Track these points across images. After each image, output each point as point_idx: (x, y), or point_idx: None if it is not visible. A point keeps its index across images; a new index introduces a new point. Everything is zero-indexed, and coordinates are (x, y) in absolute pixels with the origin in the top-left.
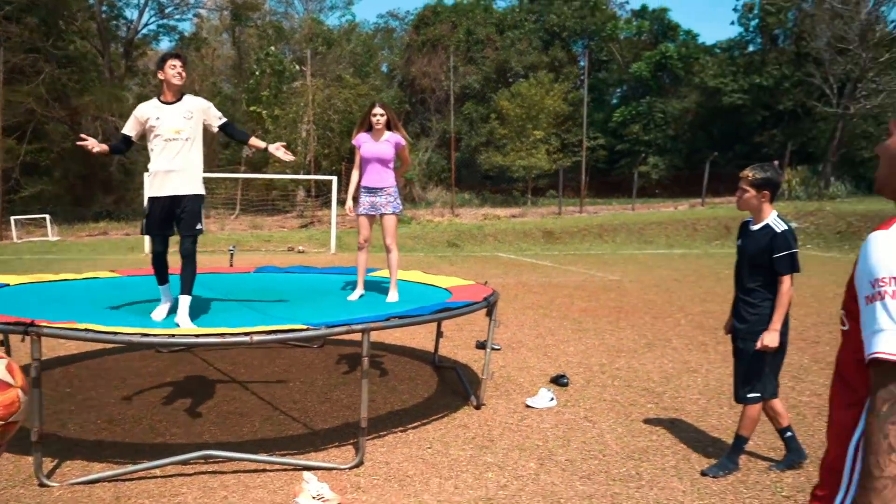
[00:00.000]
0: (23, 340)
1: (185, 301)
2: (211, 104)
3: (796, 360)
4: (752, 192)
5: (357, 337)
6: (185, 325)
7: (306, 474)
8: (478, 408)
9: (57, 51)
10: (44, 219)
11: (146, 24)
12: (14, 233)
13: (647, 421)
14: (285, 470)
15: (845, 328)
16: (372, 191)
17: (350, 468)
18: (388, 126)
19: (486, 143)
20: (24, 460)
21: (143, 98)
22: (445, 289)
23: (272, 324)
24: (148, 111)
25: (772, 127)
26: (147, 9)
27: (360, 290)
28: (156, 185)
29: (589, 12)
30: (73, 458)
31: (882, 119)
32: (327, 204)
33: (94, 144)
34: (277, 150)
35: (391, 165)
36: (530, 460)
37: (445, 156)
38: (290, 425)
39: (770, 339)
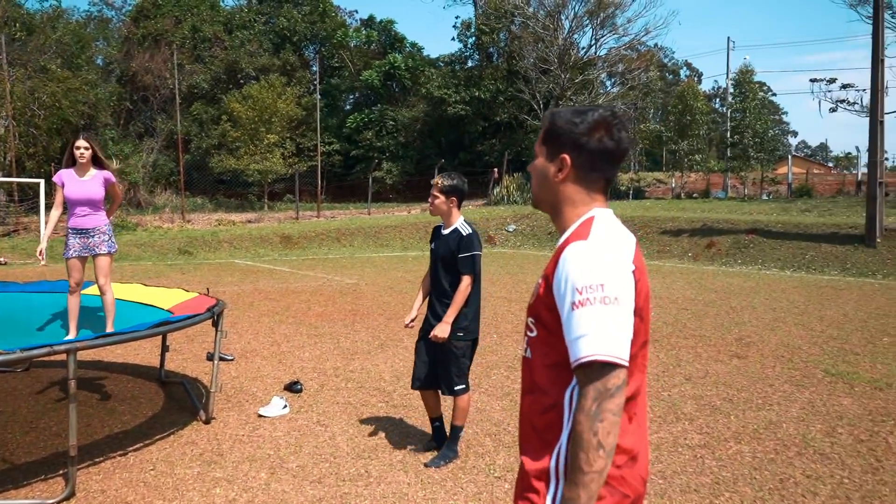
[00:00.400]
0: None
1: None
2: None
3: (512, 351)
4: (442, 197)
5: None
6: None
7: None
8: (207, 422)
9: None
10: None
11: None
12: None
13: (378, 420)
14: None
15: (533, 334)
16: (83, 232)
17: (58, 502)
18: (95, 160)
19: (219, 146)
20: None
21: None
22: (166, 309)
23: None
24: None
25: (491, 136)
26: None
27: (73, 334)
28: None
29: (319, 18)
30: None
31: None
32: (34, 209)
33: None
34: None
35: (102, 205)
36: (261, 471)
37: (173, 158)
38: None
39: (441, 330)
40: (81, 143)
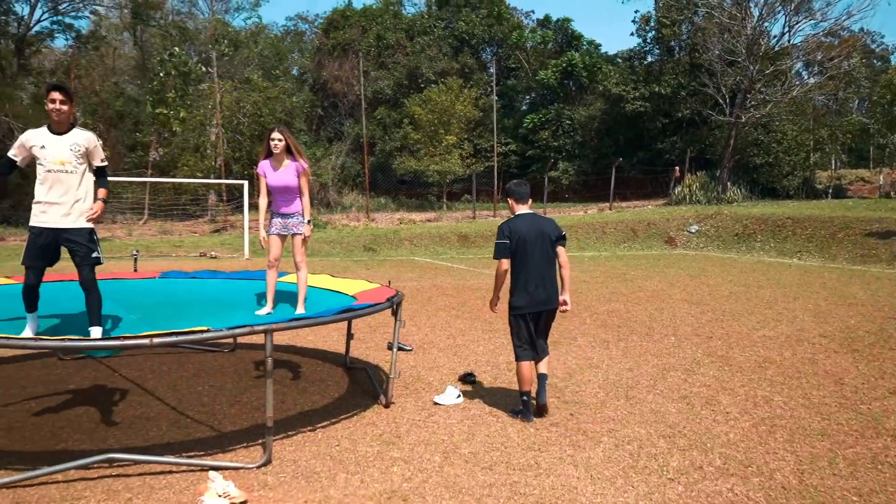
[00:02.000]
0: None
1: (96, 332)
2: (99, 144)
3: (690, 353)
4: (510, 201)
5: (263, 339)
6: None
7: (212, 473)
8: (387, 406)
9: None
10: None
11: (39, 21)
12: None
13: (549, 414)
14: (192, 471)
15: None
16: (283, 215)
17: (257, 467)
18: (289, 150)
19: (401, 148)
20: None
21: (38, 98)
22: (351, 295)
23: (173, 328)
24: (34, 139)
25: (672, 134)
26: (39, 4)
27: (269, 307)
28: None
29: (496, 20)
30: None
31: (770, 128)
32: (239, 208)
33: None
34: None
35: (297, 192)
36: (435, 454)
37: (359, 160)
38: (197, 428)
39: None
40: (276, 134)
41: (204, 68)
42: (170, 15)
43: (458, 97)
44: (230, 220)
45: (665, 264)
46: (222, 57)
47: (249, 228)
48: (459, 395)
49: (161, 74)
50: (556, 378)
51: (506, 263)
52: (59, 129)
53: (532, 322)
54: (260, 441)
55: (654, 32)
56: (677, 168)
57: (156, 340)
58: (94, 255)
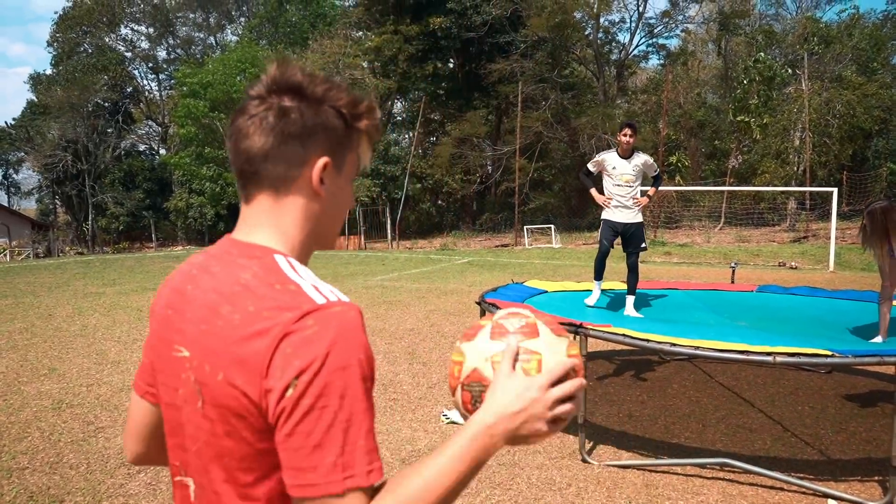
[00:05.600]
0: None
1: (630, 300)
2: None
3: None
4: None
5: (886, 370)
6: (632, 314)
7: (831, 502)
8: None
9: (560, 79)
10: (549, 228)
11: (636, 46)
12: (526, 239)
13: None
14: (803, 493)
15: None
16: None
17: None
18: None
19: None
20: (568, 439)
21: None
22: None
23: (781, 345)
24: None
25: None
26: (638, 31)
27: (882, 337)
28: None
29: None
30: (605, 443)
31: None
32: (824, 217)
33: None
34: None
35: None
36: None
37: None
38: (802, 449)
39: None
40: None
41: (791, 70)
42: (756, 20)
43: None
44: (812, 230)
45: None
46: (811, 56)
47: (836, 239)
48: None
49: (745, 82)
50: None
51: None
52: (624, 154)
53: None
54: (877, 478)
55: None
56: None
57: (778, 359)
58: (642, 245)
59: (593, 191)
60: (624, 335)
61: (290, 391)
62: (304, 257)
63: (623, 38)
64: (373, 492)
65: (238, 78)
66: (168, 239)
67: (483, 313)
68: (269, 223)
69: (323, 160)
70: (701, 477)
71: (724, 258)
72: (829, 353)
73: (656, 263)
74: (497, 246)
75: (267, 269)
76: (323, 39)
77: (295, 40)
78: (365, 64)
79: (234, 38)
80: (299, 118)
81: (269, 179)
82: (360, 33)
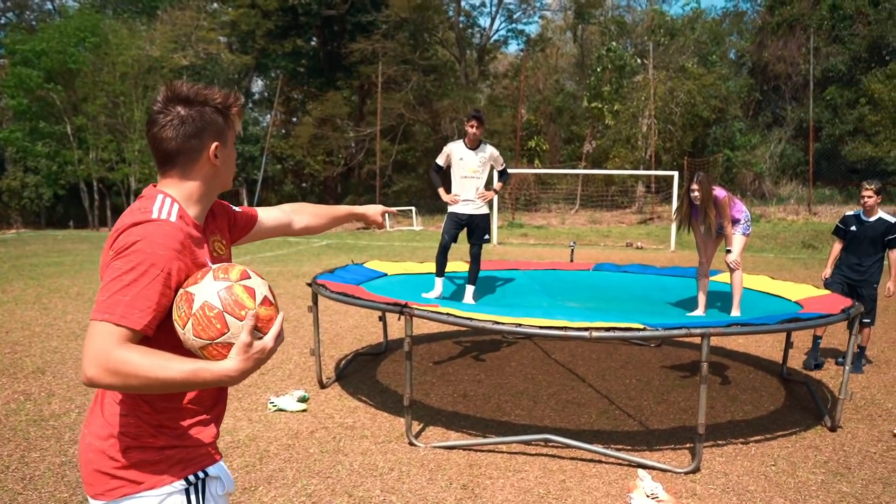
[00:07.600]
0: (399, 319)
1: (470, 289)
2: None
3: None
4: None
5: (696, 341)
6: (470, 303)
7: (641, 472)
8: (833, 430)
9: (422, 61)
10: (410, 210)
11: (497, 31)
12: (387, 222)
13: None
14: (619, 464)
15: None
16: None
17: (685, 473)
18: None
19: (853, 133)
20: (397, 421)
21: (492, 100)
22: (794, 301)
23: (609, 321)
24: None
25: None
26: (498, 15)
27: (701, 311)
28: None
29: None
30: (436, 424)
31: None
32: (667, 199)
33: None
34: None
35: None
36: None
37: (802, 147)
38: (625, 421)
39: None
40: (694, 185)
41: (639, 60)
42: (609, 11)
43: None
44: (657, 211)
45: None
46: (657, 47)
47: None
48: None
49: (598, 70)
50: None
51: None
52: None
53: None
54: (688, 445)
55: None
56: None
57: (594, 334)
58: (486, 237)
59: (441, 190)
60: (448, 314)
61: (112, 257)
62: (206, 199)
63: (484, 22)
64: (132, 334)
65: (77, 48)
66: (1, 221)
67: (315, 296)
68: (177, 185)
69: (214, 144)
70: (525, 454)
71: (578, 239)
72: (642, 326)
73: (514, 245)
74: (359, 229)
75: (145, 200)
76: (174, 10)
77: (143, 9)
78: (221, 38)
79: (76, 5)
80: (192, 121)
81: (179, 165)
82: (216, 5)
